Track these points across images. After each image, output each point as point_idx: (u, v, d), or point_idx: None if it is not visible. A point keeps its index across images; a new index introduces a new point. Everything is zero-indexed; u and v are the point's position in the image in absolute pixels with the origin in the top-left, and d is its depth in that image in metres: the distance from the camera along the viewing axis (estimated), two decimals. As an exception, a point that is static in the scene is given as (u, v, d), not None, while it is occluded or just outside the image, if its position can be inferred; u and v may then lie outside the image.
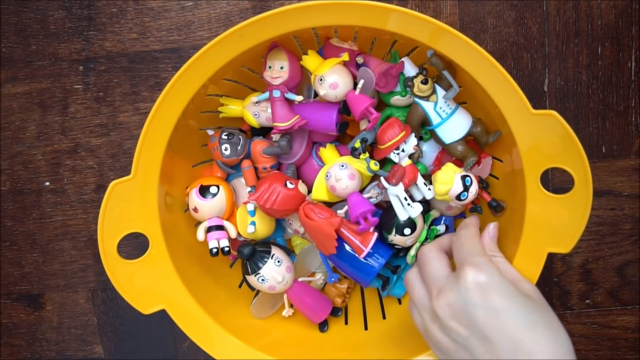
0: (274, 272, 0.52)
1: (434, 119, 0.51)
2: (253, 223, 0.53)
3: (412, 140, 0.51)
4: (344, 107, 0.52)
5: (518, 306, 0.38)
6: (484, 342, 0.37)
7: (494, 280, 0.39)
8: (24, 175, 0.64)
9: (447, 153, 0.53)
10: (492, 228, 0.46)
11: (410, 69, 0.51)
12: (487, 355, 0.37)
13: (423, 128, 0.53)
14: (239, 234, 0.54)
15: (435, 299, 0.40)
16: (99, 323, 0.67)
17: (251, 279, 0.52)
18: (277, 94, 0.51)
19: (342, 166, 0.51)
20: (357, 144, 0.51)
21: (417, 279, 0.44)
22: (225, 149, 0.52)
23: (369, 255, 0.51)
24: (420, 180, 0.52)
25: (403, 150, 0.51)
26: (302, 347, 0.55)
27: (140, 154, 0.48)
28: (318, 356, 0.54)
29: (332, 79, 0.50)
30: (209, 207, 0.52)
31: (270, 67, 0.51)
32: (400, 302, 0.58)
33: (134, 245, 0.62)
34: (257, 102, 0.53)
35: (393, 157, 0.51)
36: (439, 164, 0.54)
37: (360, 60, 0.51)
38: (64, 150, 0.63)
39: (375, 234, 0.51)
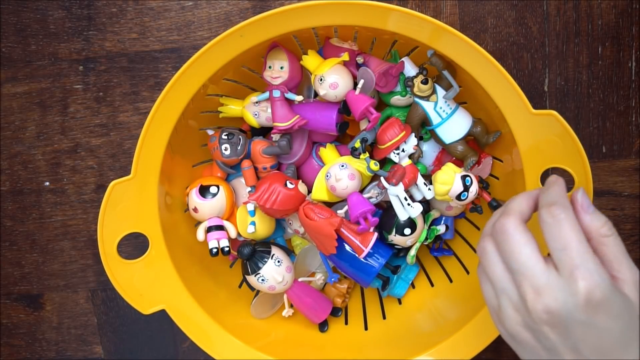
0: (274, 272, 0.52)
1: (434, 118, 0.51)
2: (253, 223, 0.53)
3: (412, 140, 0.51)
4: (344, 107, 0.52)
5: (621, 325, 0.35)
6: (573, 352, 0.36)
7: (607, 298, 0.35)
8: (24, 175, 0.64)
9: (447, 153, 0.53)
10: (582, 201, 0.39)
11: (410, 69, 0.51)
12: None
13: (423, 128, 0.53)
14: (239, 234, 0.54)
15: (530, 298, 0.36)
16: (98, 323, 0.67)
17: (251, 279, 0.52)
18: (277, 93, 0.51)
19: (342, 166, 0.51)
20: (357, 144, 0.51)
21: (497, 258, 0.39)
22: (225, 149, 0.52)
23: (369, 255, 0.51)
24: (420, 180, 0.52)
25: (403, 150, 0.51)
26: (302, 347, 0.55)
27: (140, 154, 0.48)
28: (318, 356, 0.54)
29: (332, 79, 0.50)
30: (209, 207, 0.52)
31: (270, 67, 0.51)
32: (400, 302, 0.58)
33: (134, 245, 0.62)
34: (257, 102, 0.53)
35: (393, 157, 0.51)
36: (439, 164, 0.54)
37: (360, 60, 0.51)
38: (63, 150, 0.63)
39: (375, 234, 0.51)
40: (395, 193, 0.51)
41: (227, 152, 0.52)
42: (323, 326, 0.57)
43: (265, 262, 0.52)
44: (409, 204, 0.51)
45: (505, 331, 0.39)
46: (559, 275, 0.36)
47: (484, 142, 0.51)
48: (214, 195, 0.52)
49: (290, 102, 0.52)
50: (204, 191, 0.52)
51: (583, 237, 0.37)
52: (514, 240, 0.37)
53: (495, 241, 0.39)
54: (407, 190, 0.51)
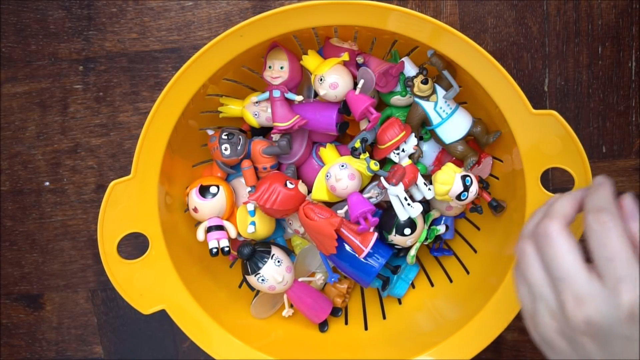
0: (274, 272, 0.52)
1: (434, 118, 0.51)
2: (253, 223, 0.53)
3: (412, 140, 0.51)
4: (344, 107, 0.52)
5: None
6: None
7: None
8: (24, 175, 0.64)
9: (447, 153, 0.53)
10: (631, 207, 0.37)
11: (410, 69, 0.51)
12: None
13: (423, 128, 0.53)
14: (239, 234, 0.54)
15: (571, 307, 0.35)
16: (98, 323, 0.67)
17: (251, 279, 0.52)
18: (277, 93, 0.51)
19: (342, 166, 0.51)
20: (357, 144, 0.51)
21: (538, 262, 0.37)
22: (225, 149, 0.52)
23: (369, 255, 0.51)
24: (420, 180, 0.52)
25: (403, 150, 0.51)
26: (302, 347, 0.55)
27: (140, 154, 0.48)
28: (318, 356, 0.54)
29: (332, 79, 0.50)
30: (209, 207, 0.52)
31: (270, 67, 0.51)
32: (400, 302, 0.58)
33: (134, 245, 0.62)
34: (257, 102, 0.53)
35: (393, 157, 0.51)
36: (439, 164, 0.54)
37: (360, 60, 0.51)
38: (63, 150, 0.63)
39: (375, 234, 0.51)
40: (395, 193, 0.51)
41: (227, 152, 0.52)
42: (323, 326, 0.57)
43: (265, 262, 0.52)
44: (409, 204, 0.51)
45: (538, 336, 0.38)
46: (603, 285, 0.35)
47: (484, 142, 0.51)
48: (214, 195, 0.52)
49: (290, 102, 0.52)
50: (204, 191, 0.52)
51: (630, 247, 0.35)
52: (557, 245, 0.36)
53: (536, 244, 0.38)
54: (407, 190, 0.51)
